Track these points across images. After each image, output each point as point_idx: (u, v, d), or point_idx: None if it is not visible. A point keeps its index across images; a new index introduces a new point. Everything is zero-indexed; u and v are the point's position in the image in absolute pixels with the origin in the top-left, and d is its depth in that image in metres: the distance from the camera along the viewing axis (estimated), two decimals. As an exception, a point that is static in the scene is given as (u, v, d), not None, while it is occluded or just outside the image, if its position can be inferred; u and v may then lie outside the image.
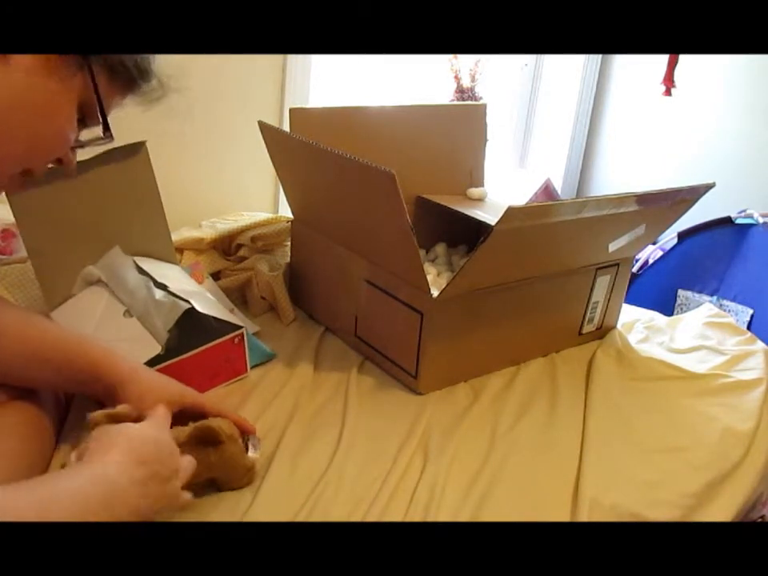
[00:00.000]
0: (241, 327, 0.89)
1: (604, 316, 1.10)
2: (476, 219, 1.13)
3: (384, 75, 1.94)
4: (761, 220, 1.56)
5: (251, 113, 1.43)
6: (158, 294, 0.85)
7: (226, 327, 0.88)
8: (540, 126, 2.27)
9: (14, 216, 0.84)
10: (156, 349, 0.81)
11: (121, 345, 0.77)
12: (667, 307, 1.67)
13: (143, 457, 0.56)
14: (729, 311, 1.56)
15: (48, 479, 0.55)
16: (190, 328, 0.84)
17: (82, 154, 0.90)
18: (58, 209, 0.87)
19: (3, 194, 1.07)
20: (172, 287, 0.86)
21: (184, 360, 0.83)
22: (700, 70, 1.91)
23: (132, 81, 0.65)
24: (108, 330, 0.83)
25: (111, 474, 0.53)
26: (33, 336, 0.70)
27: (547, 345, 1.06)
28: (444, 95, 2.17)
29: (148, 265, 0.91)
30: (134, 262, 0.90)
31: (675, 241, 1.68)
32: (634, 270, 1.71)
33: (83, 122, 0.63)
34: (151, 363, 0.80)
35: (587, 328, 1.09)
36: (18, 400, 0.70)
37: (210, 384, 0.87)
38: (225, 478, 0.70)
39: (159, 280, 0.88)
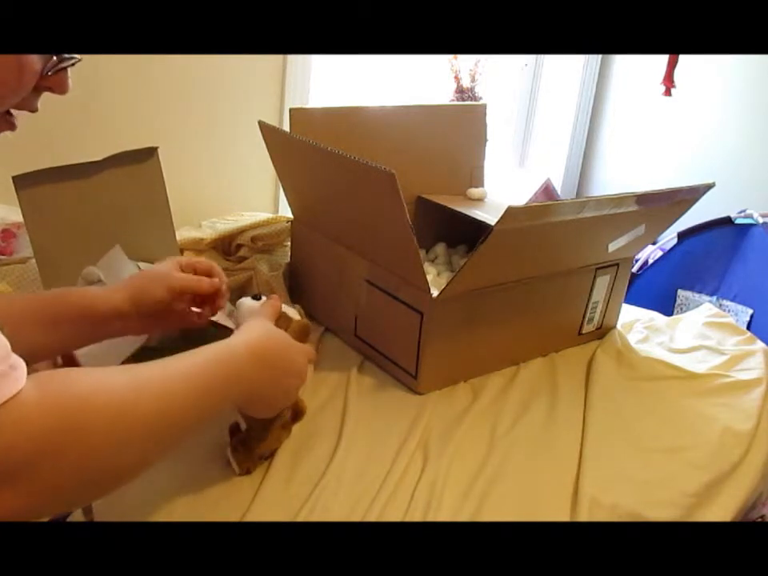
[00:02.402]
0: None
1: (604, 316, 1.10)
2: (476, 219, 1.13)
3: (384, 75, 1.94)
4: (761, 220, 1.55)
5: (251, 113, 1.43)
6: None
7: (224, 332, 0.88)
8: (540, 126, 2.27)
9: (22, 212, 0.84)
10: (141, 338, 0.81)
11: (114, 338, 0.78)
12: (667, 307, 1.67)
13: (271, 349, 0.63)
14: (729, 311, 1.56)
15: (179, 356, 0.56)
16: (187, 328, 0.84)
17: (94, 156, 0.90)
18: (66, 208, 0.88)
19: (4, 193, 1.07)
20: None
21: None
22: (700, 70, 1.91)
23: None
24: None
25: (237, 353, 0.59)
26: (36, 296, 0.70)
27: (547, 345, 1.06)
28: (444, 95, 2.17)
29: (151, 270, 0.92)
30: (137, 266, 0.90)
31: (675, 241, 1.68)
32: (634, 269, 1.71)
33: None
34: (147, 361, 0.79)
35: (587, 328, 1.09)
36: None
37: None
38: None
39: None
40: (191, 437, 0.54)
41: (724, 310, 1.52)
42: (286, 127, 1.14)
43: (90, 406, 0.44)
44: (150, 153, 0.93)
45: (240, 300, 0.76)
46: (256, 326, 0.66)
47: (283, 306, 0.76)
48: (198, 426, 0.54)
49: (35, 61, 0.55)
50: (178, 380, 0.52)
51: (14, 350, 0.65)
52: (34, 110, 0.60)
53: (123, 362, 0.79)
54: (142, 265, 0.91)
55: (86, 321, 0.69)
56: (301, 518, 0.68)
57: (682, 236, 1.67)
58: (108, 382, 0.47)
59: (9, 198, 1.12)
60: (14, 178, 0.83)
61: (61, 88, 0.59)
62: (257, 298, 0.76)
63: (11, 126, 0.60)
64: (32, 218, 0.85)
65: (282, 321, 0.73)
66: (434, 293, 0.86)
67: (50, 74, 0.57)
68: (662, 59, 1.84)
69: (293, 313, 0.77)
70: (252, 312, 0.73)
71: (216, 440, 0.78)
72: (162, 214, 0.97)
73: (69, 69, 0.59)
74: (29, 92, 0.57)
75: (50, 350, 0.74)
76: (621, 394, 0.96)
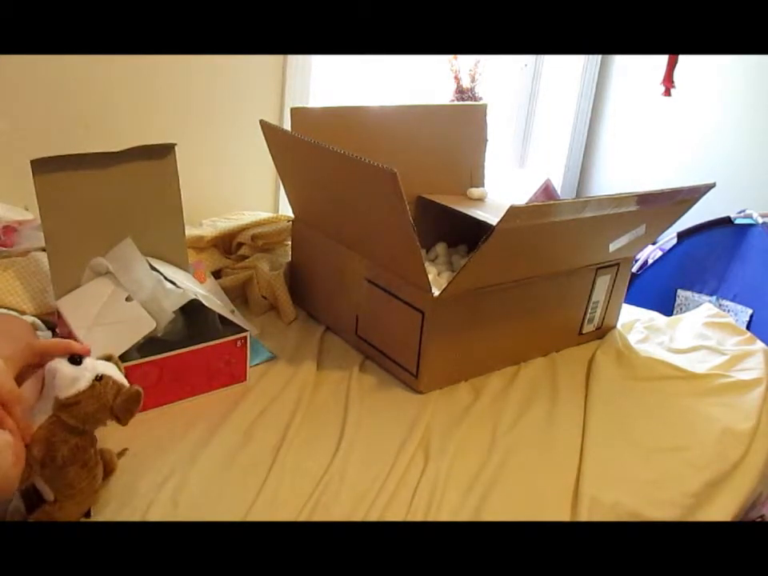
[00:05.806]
0: (245, 330, 0.88)
1: (604, 316, 1.10)
2: (476, 219, 1.13)
3: (384, 75, 1.94)
4: (760, 220, 1.56)
5: (251, 113, 1.43)
6: (168, 284, 0.86)
7: (231, 328, 0.88)
8: (540, 126, 2.27)
9: (37, 197, 0.84)
10: (151, 324, 0.80)
11: (120, 326, 0.78)
12: (667, 307, 1.67)
13: None
14: (728, 311, 1.56)
15: None
16: (195, 319, 0.84)
17: (111, 147, 0.90)
18: (81, 196, 0.88)
19: (4, 193, 1.07)
20: (181, 285, 0.87)
21: (185, 354, 0.83)
22: (700, 69, 1.91)
23: None
24: (110, 314, 0.84)
25: None
26: None
27: (547, 344, 1.06)
28: (444, 95, 2.17)
29: (159, 266, 0.92)
30: (146, 260, 0.91)
31: (675, 241, 1.68)
32: (634, 269, 1.71)
33: None
34: (153, 352, 0.80)
35: (587, 328, 1.09)
36: None
37: (208, 386, 0.87)
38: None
39: (169, 277, 0.88)
40: None
41: (724, 310, 1.52)
42: (287, 127, 1.14)
43: None
44: (168, 150, 0.93)
45: (55, 362, 0.60)
46: None
47: (106, 365, 0.63)
48: None
49: None
50: None
51: None
52: None
53: (131, 349, 0.79)
54: (149, 260, 0.91)
55: None
56: (303, 518, 0.68)
57: (682, 236, 1.67)
58: None
59: (9, 198, 1.12)
60: (31, 162, 0.83)
61: None
62: (76, 361, 0.60)
63: None
64: (46, 203, 0.85)
65: (110, 387, 0.61)
66: (435, 292, 0.86)
67: None
68: (662, 59, 1.84)
69: (119, 376, 0.63)
70: (73, 379, 0.59)
71: (218, 440, 0.78)
72: (174, 212, 0.97)
73: None
74: None
75: None
76: (621, 393, 0.96)
